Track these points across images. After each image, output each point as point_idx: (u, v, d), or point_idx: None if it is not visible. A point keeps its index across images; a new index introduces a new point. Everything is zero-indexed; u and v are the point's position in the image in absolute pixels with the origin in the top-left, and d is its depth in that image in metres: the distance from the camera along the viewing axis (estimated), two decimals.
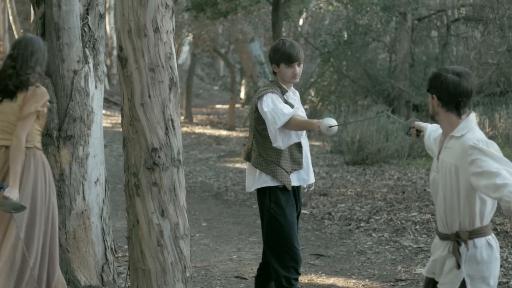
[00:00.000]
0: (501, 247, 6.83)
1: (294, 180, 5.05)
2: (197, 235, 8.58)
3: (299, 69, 5.05)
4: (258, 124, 5.00)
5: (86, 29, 5.94)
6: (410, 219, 8.85)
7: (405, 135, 4.62)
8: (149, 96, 4.37)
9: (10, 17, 24.12)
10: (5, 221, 4.91)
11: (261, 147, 5.01)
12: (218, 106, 29.35)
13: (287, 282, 4.93)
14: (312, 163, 5.25)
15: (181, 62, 30.91)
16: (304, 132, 5.10)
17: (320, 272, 6.97)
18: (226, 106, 25.47)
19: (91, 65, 5.92)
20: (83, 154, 5.83)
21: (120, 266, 6.74)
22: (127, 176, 4.48)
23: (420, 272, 6.80)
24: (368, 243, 8.04)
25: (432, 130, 4.26)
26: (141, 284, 4.46)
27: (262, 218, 5.07)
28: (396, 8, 17.25)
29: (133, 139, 4.42)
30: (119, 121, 20.33)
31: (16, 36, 24.47)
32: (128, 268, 4.73)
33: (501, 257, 5.80)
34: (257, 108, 4.98)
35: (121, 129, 4.51)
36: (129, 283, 4.91)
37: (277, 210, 4.97)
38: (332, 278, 6.76)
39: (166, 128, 4.41)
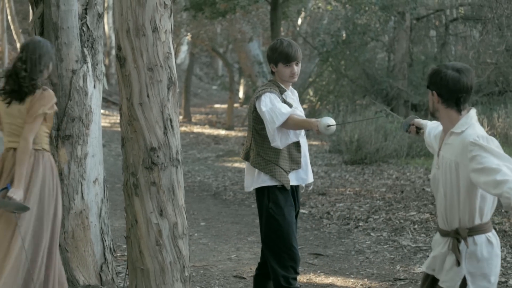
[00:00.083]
0: None
1: (293, 179, 5.05)
2: (196, 234, 8.59)
3: (297, 68, 5.05)
4: (257, 123, 5.00)
5: (84, 28, 5.94)
6: (409, 219, 8.85)
7: (405, 132, 4.61)
8: (148, 96, 4.37)
9: (9, 17, 24.11)
10: (12, 224, 4.92)
11: (259, 147, 5.01)
12: (216, 105, 29.35)
13: (285, 282, 4.94)
14: (310, 163, 5.25)
15: (180, 61, 30.91)
16: (303, 132, 5.10)
17: (318, 272, 6.98)
18: (225, 106, 25.48)
19: (89, 64, 5.92)
20: (82, 153, 5.83)
21: (118, 266, 6.74)
22: (126, 175, 4.48)
23: (419, 271, 6.80)
24: (366, 242, 8.04)
25: (432, 127, 4.26)
26: (139, 284, 4.46)
27: (261, 218, 5.07)
28: (395, 8, 17.26)
29: (132, 138, 4.42)
30: (118, 121, 20.30)
31: (15, 36, 24.50)
32: (127, 268, 4.73)
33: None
34: (255, 108, 4.98)
35: (119, 129, 4.51)
36: (127, 283, 4.91)
37: (275, 210, 4.97)
38: (330, 278, 6.76)
39: (165, 128, 4.41)
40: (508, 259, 6.89)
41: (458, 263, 3.73)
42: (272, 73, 5.12)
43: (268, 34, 21.85)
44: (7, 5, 23.96)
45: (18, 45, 24.84)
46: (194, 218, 9.53)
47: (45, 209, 5.00)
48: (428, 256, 4.10)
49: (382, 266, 7.07)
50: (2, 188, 4.95)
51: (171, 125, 4.45)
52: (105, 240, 6.05)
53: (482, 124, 13.31)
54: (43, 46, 5.09)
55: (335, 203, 10.17)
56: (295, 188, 5.10)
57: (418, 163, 13.11)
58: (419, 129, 4.48)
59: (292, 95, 5.15)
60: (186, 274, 4.51)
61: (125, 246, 7.25)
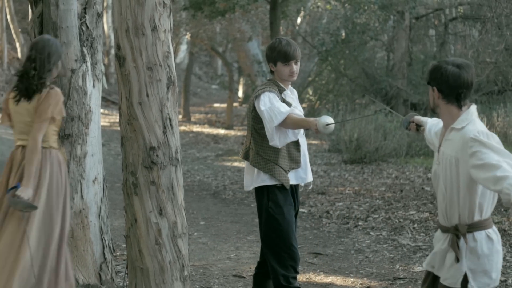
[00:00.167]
0: None
1: (292, 178, 5.05)
2: (195, 233, 8.59)
3: (296, 67, 5.05)
4: (256, 123, 5.00)
5: (84, 28, 5.94)
6: (408, 218, 8.85)
7: (405, 129, 4.61)
8: (147, 95, 4.37)
9: (8, 16, 24.09)
10: (22, 224, 4.96)
11: (259, 146, 5.01)
12: (216, 105, 29.35)
13: (285, 281, 4.94)
14: (310, 162, 5.25)
15: (179, 61, 30.92)
16: (302, 131, 5.10)
17: (318, 271, 6.98)
18: (224, 105, 25.48)
19: (89, 64, 5.92)
20: (81, 153, 5.83)
21: (118, 265, 6.74)
22: (125, 175, 4.48)
23: (419, 270, 6.80)
24: (366, 241, 8.04)
25: (432, 124, 4.26)
26: (139, 283, 4.46)
27: (260, 217, 5.07)
28: (394, 7, 17.26)
29: (131, 138, 4.42)
30: (117, 120, 20.28)
31: (14, 36, 24.50)
32: (126, 267, 4.73)
33: None
34: (254, 107, 4.99)
35: (119, 128, 4.51)
36: (127, 282, 4.91)
37: (275, 209, 4.97)
38: (330, 277, 6.77)
39: (164, 127, 4.41)
40: (507, 258, 6.89)
41: (457, 260, 3.73)
42: (271, 72, 5.12)
43: (267, 34, 21.84)
44: (6, 4, 23.95)
45: (17, 45, 24.85)
46: (194, 217, 9.53)
47: (54, 206, 5.04)
48: (427, 256, 4.10)
49: (382, 265, 7.07)
50: (12, 187, 4.99)
51: (171, 125, 4.45)
52: (105, 240, 6.05)
53: None
54: (52, 44, 5.12)
55: (335, 202, 10.17)
56: (294, 187, 5.11)
57: (417, 162, 13.11)
58: (419, 127, 4.48)
59: (291, 94, 5.16)
60: (186, 273, 4.51)
61: (124, 245, 7.25)
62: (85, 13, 5.95)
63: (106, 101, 24.77)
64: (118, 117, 4.40)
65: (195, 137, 20.13)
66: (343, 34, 18.42)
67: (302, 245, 7.78)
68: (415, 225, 8.50)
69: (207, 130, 21.72)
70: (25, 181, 4.91)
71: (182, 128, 21.07)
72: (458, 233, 3.73)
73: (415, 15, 18.17)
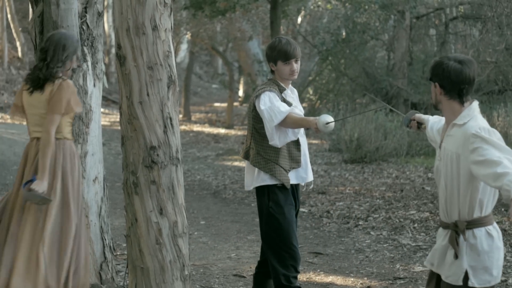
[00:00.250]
0: None
1: (293, 178, 5.05)
2: (196, 233, 8.59)
3: (296, 66, 5.05)
4: (256, 122, 5.00)
5: (84, 27, 5.94)
6: (409, 217, 8.85)
7: (406, 127, 4.61)
8: (148, 94, 4.37)
9: (8, 16, 24.09)
10: (40, 221, 5.02)
11: (259, 146, 5.01)
12: (216, 104, 29.35)
13: (286, 280, 4.94)
14: (310, 161, 5.25)
15: (180, 60, 30.91)
16: (302, 130, 5.10)
17: (318, 270, 6.98)
18: (225, 104, 25.48)
19: (89, 63, 5.92)
20: (82, 152, 5.83)
21: (118, 264, 6.74)
22: (126, 174, 4.48)
23: (419, 270, 6.80)
24: (366, 241, 8.04)
25: (434, 122, 4.26)
26: (139, 282, 4.46)
27: (261, 217, 5.07)
28: (394, 6, 17.24)
29: (132, 137, 4.41)
30: (118, 119, 20.30)
31: (14, 35, 24.50)
32: (127, 266, 4.73)
33: None
34: (255, 107, 4.99)
35: (119, 127, 4.51)
36: (127, 281, 4.91)
37: (275, 209, 4.97)
38: (330, 276, 6.76)
39: (165, 126, 4.41)
40: (508, 258, 6.89)
41: (456, 256, 3.73)
42: (272, 72, 5.13)
43: (267, 33, 21.83)
44: (6, 3, 23.95)
45: (18, 44, 24.85)
46: (194, 217, 9.53)
47: (70, 198, 5.10)
48: (427, 256, 4.10)
49: (382, 265, 7.07)
50: (27, 180, 5.06)
51: (171, 124, 4.44)
52: (105, 239, 6.05)
53: None
54: (68, 38, 5.21)
55: (335, 202, 10.17)
56: (295, 187, 5.11)
57: (417, 162, 13.11)
58: (420, 125, 4.47)
59: (291, 93, 5.16)
60: (186, 272, 4.51)
61: (125, 244, 7.26)
62: (86, 12, 5.95)
63: (107, 101, 24.77)
64: (118, 116, 4.40)
65: (196, 136, 20.13)
66: (344, 33, 18.41)
67: (303, 245, 7.78)
68: (416, 225, 8.50)
69: (207, 129, 21.72)
70: (40, 174, 4.97)
71: (183, 127, 21.07)
72: (457, 229, 3.74)
73: (416, 14, 18.16)
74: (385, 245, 7.81)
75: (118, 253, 7.30)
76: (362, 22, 17.67)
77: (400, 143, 13.73)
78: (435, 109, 3.94)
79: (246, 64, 24.03)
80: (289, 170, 5.02)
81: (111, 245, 6.17)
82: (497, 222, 7.92)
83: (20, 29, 24.64)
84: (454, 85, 3.73)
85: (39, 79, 5.13)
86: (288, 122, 4.85)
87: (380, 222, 8.79)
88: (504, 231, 7.69)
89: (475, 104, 3.79)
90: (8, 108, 21.12)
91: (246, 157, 5.11)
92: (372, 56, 19.16)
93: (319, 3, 21.80)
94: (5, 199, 5.23)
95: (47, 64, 5.11)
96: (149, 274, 4.42)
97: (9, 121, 19.18)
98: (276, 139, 4.88)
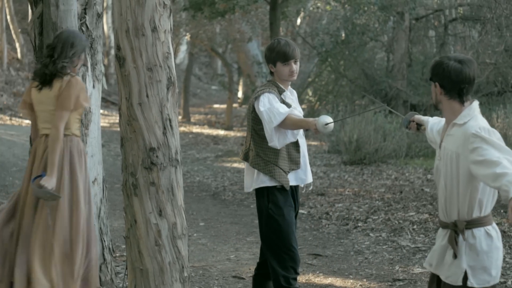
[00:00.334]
0: None
1: (292, 179, 5.05)
2: (195, 235, 8.58)
3: (296, 67, 5.05)
4: (256, 124, 5.00)
5: (83, 28, 5.94)
6: (408, 219, 8.85)
7: (405, 129, 4.61)
8: (147, 96, 4.36)
9: (8, 17, 24.09)
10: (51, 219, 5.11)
11: (259, 147, 5.01)
12: (215, 105, 29.35)
13: (286, 282, 4.94)
14: (309, 163, 5.25)
15: (179, 61, 30.91)
16: (302, 132, 5.10)
17: (317, 272, 6.97)
18: (224, 106, 25.48)
19: (89, 64, 5.92)
20: None
21: (118, 266, 6.74)
22: (125, 175, 4.48)
23: (418, 271, 6.80)
24: (365, 243, 8.04)
25: (434, 123, 4.26)
26: (138, 284, 4.45)
27: (260, 218, 5.07)
28: (394, 8, 17.26)
29: (131, 138, 4.41)
30: (117, 121, 20.28)
31: (14, 36, 24.49)
32: (126, 268, 4.72)
33: None
34: (254, 108, 4.99)
35: (119, 129, 4.51)
36: (127, 283, 4.90)
37: (275, 210, 4.97)
38: (329, 278, 6.76)
39: (164, 128, 4.40)
40: (507, 259, 6.89)
41: (455, 256, 3.72)
42: (271, 73, 5.13)
43: (267, 34, 21.84)
44: (6, 4, 23.95)
45: (17, 45, 24.84)
46: (193, 218, 9.53)
47: (80, 193, 5.17)
48: (426, 257, 4.11)
49: (381, 267, 7.07)
50: (37, 176, 5.11)
51: (170, 125, 4.44)
52: (104, 240, 6.04)
53: None
54: (77, 36, 5.29)
55: (334, 203, 10.17)
56: (294, 189, 5.11)
57: (417, 164, 13.11)
58: (419, 126, 4.48)
59: (291, 95, 5.16)
60: (185, 274, 4.50)
61: (124, 246, 7.25)
62: (85, 13, 5.95)
63: (106, 102, 24.76)
64: (118, 117, 4.40)
65: (195, 138, 20.13)
66: (343, 35, 18.42)
67: (302, 246, 7.78)
68: (415, 227, 8.50)
69: (206, 131, 21.72)
70: (49, 170, 5.03)
71: (182, 129, 21.07)
72: (456, 229, 3.74)
73: (415, 16, 18.17)
74: (384, 247, 7.81)
75: (117, 254, 7.30)
76: (361, 23, 17.69)
77: (399, 144, 13.73)
78: (435, 109, 3.95)
79: (245, 65, 24.04)
80: (289, 172, 5.02)
81: (110, 246, 6.16)
82: (496, 224, 7.92)
83: (19, 30, 24.63)
84: (454, 84, 3.74)
85: (45, 75, 5.19)
86: (287, 124, 4.85)
87: (379, 224, 8.79)
88: (503, 232, 7.69)
89: (475, 103, 3.79)
90: (7, 109, 21.12)
91: (246, 158, 5.10)
92: (371, 57, 19.17)
93: (319, 4, 21.82)
94: (16, 197, 5.27)
95: (54, 60, 5.17)
96: (148, 275, 4.42)
97: (8, 122, 19.18)
98: (276, 141, 4.88)
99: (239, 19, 21.21)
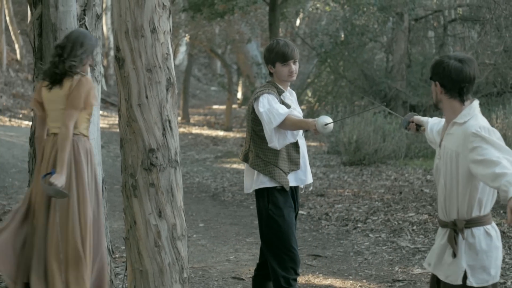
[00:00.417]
0: None
1: (292, 180, 5.05)
2: (194, 236, 8.58)
3: (295, 67, 5.05)
4: (255, 125, 5.00)
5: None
6: (407, 220, 8.85)
7: (404, 129, 4.61)
8: (146, 97, 4.36)
9: (7, 18, 24.09)
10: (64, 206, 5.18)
11: (258, 148, 5.01)
12: (215, 106, 29.35)
13: (286, 283, 4.94)
14: (309, 164, 5.25)
15: (178, 62, 30.91)
16: (301, 132, 5.10)
17: (317, 273, 6.97)
18: (223, 107, 25.47)
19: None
20: None
21: (117, 267, 6.73)
22: (124, 177, 4.48)
23: (418, 272, 6.80)
24: (365, 243, 8.04)
25: (434, 123, 4.26)
26: (138, 285, 4.45)
27: (260, 219, 5.06)
28: (393, 9, 17.26)
29: (131, 139, 4.41)
30: (116, 122, 20.28)
31: (13, 37, 24.49)
32: (126, 269, 4.72)
33: None
34: (254, 109, 4.99)
35: (118, 130, 4.51)
36: (126, 284, 4.90)
37: (275, 211, 4.97)
38: (329, 279, 6.76)
39: (164, 129, 4.40)
40: (507, 260, 6.89)
41: (454, 255, 3.72)
42: (270, 74, 5.13)
43: (266, 35, 21.84)
44: (5, 6, 23.95)
45: (16, 46, 24.84)
46: (193, 219, 9.52)
47: (86, 193, 5.21)
48: (426, 258, 4.11)
49: (381, 267, 7.07)
50: (46, 173, 5.16)
51: (170, 126, 4.44)
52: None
53: None
54: (87, 36, 5.33)
55: (334, 204, 10.17)
56: (294, 189, 5.11)
57: (416, 164, 13.11)
58: (419, 127, 4.47)
59: (290, 96, 5.16)
60: (185, 275, 4.50)
61: (123, 247, 7.25)
62: (85, 14, 5.95)
63: (105, 103, 24.76)
64: (117, 119, 4.41)
65: (194, 139, 20.13)
66: (342, 35, 18.42)
67: (301, 247, 7.78)
68: (414, 227, 8.50)
69: (206, 132, 21.72)
70: (58, 168, 5.07)
71: (181, 130, 21.07)
72: (456, 228, 3.73)
73: (414, 16, 18.17)
74: (384, 248, 7.81)
75: (117, 255, 7.29)
76: (360, 24, 17.69)
77: (398, 145, 13.73)
78: (434, 109, 3.96)
79: (244, 66, 24.04)
80: (289, 173, 5.02)
81: (110, 247, 6.16)
82: (496, 225, 7.92)
83: (18, 31, 24.63)
84: (454, 83, 3.74)
85: (56, 74, 5.23)
86: (287, 124, 4.85)
87: (379, 225, 8.79)
88: (503, 233, 7.69)
89: (476, 103, 3.79)
90: (6, 110, 21.12)
91: (245, 159, 5.10)
92: (370, 58, 19.17)
93: (318, 5, 21.80)
94: (28, 199, 5.30)
95: (63, 60, 5.20)
96: (148, 276, 4.42)
97: (7, 123, 19.18)
98: (275, 141, 4.88)
99: (238, 20, 21.22)
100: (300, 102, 16.18)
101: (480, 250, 3.72)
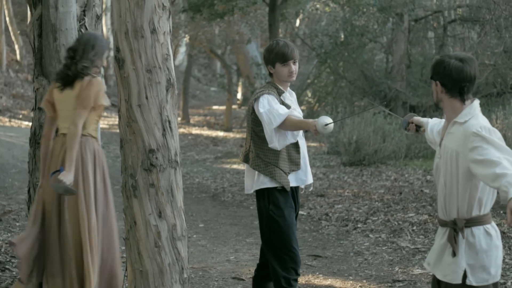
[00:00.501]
0: None
1: (292, 180, 5.05)
2: (194, 236, 8.58)
3: (295, 67, 5.05)
4: (256, 125, 5.00)
5: (83, 30, 5.94)
6: (407, 220, 8.85)
7: (404, 130, 4.61)
8: (146, 97, 4.36)
9: (7, 19, 24.09)
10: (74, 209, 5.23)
11: (259, 149, 5.01)
12: (214, 107, 29.35)
13: (286, 283, 4.94)
14: (309, 164, 5.25)
15: (178, 63, 30.92)
16: (301, 133, 5.10)
17: (317, 273, 6.97)
18: (223, 107, 25.48)
19: None
20: None
21: None
22: (124, 177, 4.48)
23: (418, 272, 6.80)
24: (365, 244, 8.04)
25: (434, 124, 4.26)
26: (138, 285, 4.45)
27: (261, 220, 5.06)
28: (393, 9, 17.26)
29: (130, 140, 4.41)
30: (116, 122, 20.29)
31: (13, 38, 24.50)
32: (126, 269, 4.72)
33: None
34: (254, 110, 4.99)
35: (118, 130, 4.51)
36: (126, 284, 4.90)
37: (275, 212, 4.97)
38: (329, 279, 6.76)
39: (163, 129, 4.40)
40: (507, 260, 6.89)
41: (454, 254, 3.72)
42: (270, 75, 5.13)
43: (266, 36, 21.85)
44: (5, 6, 23.95)
45: (16, 47, 24.85)
46: (193, 220, 9.52)
47: (91, 194, 5.25)
48: (426, 258, 4.11)
49: (381, 268, 7.07)
50: (54, 170, 5.22)
51: (170, 127, 4.44)
52: None
53: None
54: (98, 38, 5.40)
55: (334, 204, 10.17)
56: (295, 190, 5.11)
57: (416, 165, 13.11)
58: (418, 127, 4.47)
59: (290, 96, 5.16)
60: (185, 275, 4.50)
61: (123, 247, 7.24)
62: (84, 15, 5.95)
63: None
64: (117, 119, 4.40)
65: (194, 139, 20.13)
66: (342, 36, 18.43)
67: (301, 248, 7.77)
68: (414, 228, 8.50)
69: (206, 132, 21.72)
70: (67, 166, 5.11)
71: (181, 130, 21.07)
72: (456, 227, 3.73)
73: (414, 17, 18.18)
74: (384, 248, 7.81)
75: None
76: (360, 25, 17.69)
77: (398, 145, 13.73)
78: (434, 110, 3.96)
79: (244, 67, 24.05)
80: (289, 173, 5.02)
81: None
82: (496, 225, 7.91)
83: (18, 32, 24.64)
84: (455, 83, 3.73)
85: (68, 76, 5.28)
86: (287, 125, 4.85)
87: (379, 225, 8.79)
88: (503, 233, 7.69)
89: (476, 102, 3.79)
90: (6, 111, 21.12)
91: (246, 160, 5.10)
92: (370, 58, 19.17)
93: (318, 6, 21.81)
94: (41, 199, 5.33)
95: (75, 62, 5.26)
96: (148, 277, 4.42)
97: (7, 124, 19.18)
98: (276, 142, 4.88)
99: (238, 21, 21.22)
100: (300, 103, 16.18)
101: (480, 249, 3.71)
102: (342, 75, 18.84)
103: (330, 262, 7.38)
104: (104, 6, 23.17)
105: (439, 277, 3.83)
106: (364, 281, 6.65)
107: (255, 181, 5.03)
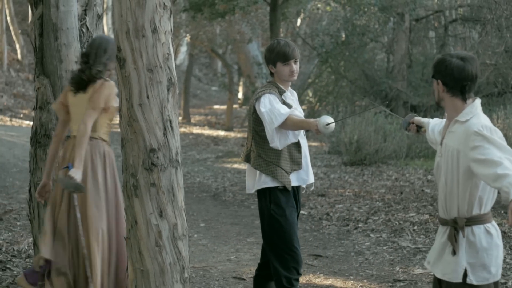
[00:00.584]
0: None
1: (294, 180, 5.05)
2: (195, 235, 8.58)
3: (296, 67, 5.05)
4: (257, 125, 5.00)
5: (84, 29, 5.94)
6: (408, 220, 8.85)
7: (405, 130, 4.61)
8: (147, 97, 4.36)
9: (8, 18, 24.10)
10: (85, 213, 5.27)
11: (260, 148, 5.01)
12: (216, 106, 29.36)
13: (288, 283, 4.94)
14: (310, 164, 5.25)
15: (179, 62, 30.93)
16: (302, 132, 5.10)
17: (318, 273, 6.97)
18: (224, 107, 25.49)
19: None
20: None
21: None
22: (125, 176, 4.48)
23: (419, 272, 6.80)
24: (366, 243, 8.04)
25: (435, 124, 4.26)
26: (139, 285, 4.45)
27: (262, 219, 5.06)
28: (394, 9, 17.26)
29: (131, 139, 4.41)
30: (117, 122, 20.35)
31: (14, 37, 24.51)
32: (126, 269, 4.72)
33: None
34: (255, 109, 4.99)
35: (119, 130, 4.51)
36: (127, 284, 4.90)
37: (277, 211, 4.97)
38: (330, 279, 6.76)
39: (165, 129, 4.40)
40: (507, 260, 6.89)
41: (454, 252, 3.72)
42: (271, 74, 5.13)
43: (267, 35, 21.87)
44: (6, 6, 23.96)
45: (17, 46, 24.85)
46: (194, 219, 9.53)
47: (96, 197, 5.28)
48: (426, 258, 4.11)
49: (382, 267, 7.07)
50: (63, 167, 5.28)
51: (171, 126, 4.44)
52: None
53: None
54: (109, 41, 5.42)
55: (335, 204, 10.17)
56: (296, 189, 5.11)
57: (417, 164, 13.11)
58: (419, 128, 4.47)
59: (291, 96, 5.16)
60: (186, 275, 4.50)
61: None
62: (85, 14, 5.95)
63: None
64: (118, 118, 4.41)
65: (195, 138, 20.13)
66: (343, 35, 18.42)
67: (302, 247, 7.77)
68: (415, 227, 8.49)
69: (207, 131, 21.72)
70: (76, 163, 5.14)
71: (182, 129, 21.08)
72: (456, 226, 3.73)
73: (415, 17, 18.17)
74: (384, 248, 7.81)
75: None
76: (361, 24, 17.70)
77: (399, 145, 13.73)
78: (437, 107, 3.96)
79: (245, 66, 24.05)
80: (290, 172, 5.02)
81: None
82: (497, 225, 7.91)
83: (19, 31, 24.65)
84: (456, 82, 3.73)
85: (82, 80, 5.34)
86: (288, 124, 4.85)
87: (379, 225, 8.79)
88: (504, 233, 7.69)
89: (478, 101, 3.79)
90: (7, 110, 21.13)
91: (247, 160, 5.10)
92: (371, 58, 19.18)
93: (319, 5, 21.82)
94: (53, 204, 5.36)
95: (89, 66, 5.31)
96: (149, 276, 4.42)
97: (8, 123, 19.18)
98: (277, 141, 4.88)
99: (239, 20, 21.23)
100: (301, 102, 16.20)
101: (480, 248, 3.71)
102: (343, 75, 18.84)
103: (331, 262, 7.38)
104: (105, 6, 23.16)
105: (438, 275, 3.83)
106: (365, 280, 6.66)
107: (256, 181, 5.03)
